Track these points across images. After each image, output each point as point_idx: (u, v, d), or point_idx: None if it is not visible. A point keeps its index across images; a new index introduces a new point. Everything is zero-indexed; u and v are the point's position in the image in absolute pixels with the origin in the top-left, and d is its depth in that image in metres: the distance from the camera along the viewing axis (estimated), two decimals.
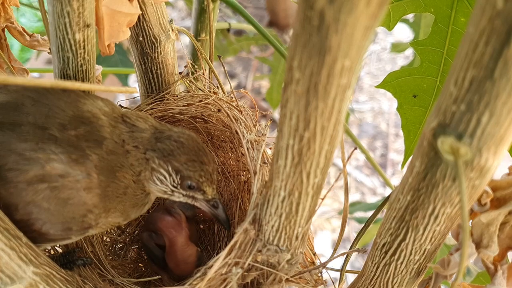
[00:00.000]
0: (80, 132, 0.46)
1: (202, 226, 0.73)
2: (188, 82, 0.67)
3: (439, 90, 0.63)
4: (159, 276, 0.65)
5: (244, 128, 0.58)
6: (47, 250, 0.55)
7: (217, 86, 0.66)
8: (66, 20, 0.46)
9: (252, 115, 0.61)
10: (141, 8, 0.57)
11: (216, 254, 0.52)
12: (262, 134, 0.57)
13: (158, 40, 0.61)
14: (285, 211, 0.41)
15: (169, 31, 0.62)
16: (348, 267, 0.52)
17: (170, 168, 0.50)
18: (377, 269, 0.44)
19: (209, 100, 0.64)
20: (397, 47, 1.40)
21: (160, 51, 0.62)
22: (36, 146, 0.43)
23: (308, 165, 0.37)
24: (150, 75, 0.64)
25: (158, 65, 0.63)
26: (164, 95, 0.65)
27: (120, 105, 0.62)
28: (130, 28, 0.55)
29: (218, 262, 0.45)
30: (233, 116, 0.60)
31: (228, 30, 1.06)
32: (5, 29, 0.61)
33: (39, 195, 0.43)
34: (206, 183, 0.51)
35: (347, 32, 0.27)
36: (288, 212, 0.41)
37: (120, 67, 1.18)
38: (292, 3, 2.61)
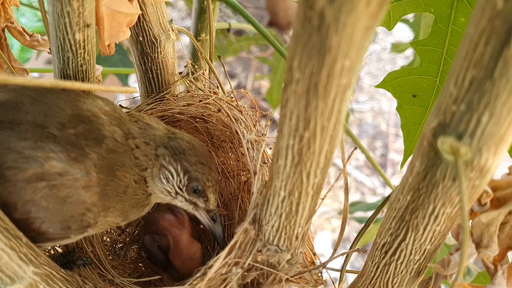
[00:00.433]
0: (80, 131, 0.46)
1: (202, 226, 0.73)
2: (188, 82, 0.67)
3: (439, 90, 0.63)
4: (159, 276, 0.65)
5: (244, 128, 0.58)
6: (47, 250, 0.55)
7: (217, 86, 0.66)
8: (66, 20, 0.46)
9: (252, 115, 0.61)
10: (141, 8, 0.57)
11: (216, 254, 0.52)
12: (262, 134, 0.57)
13: (158, 40, 0.61)
14: (285, 211, 0.41)
15: (169, 31, 0.62)
16: (348, 267, 0.52)
17: (179, 167, 0.50)
18: (377, 269, 0.44)
19: (209, 100, 0.64)
20: (397, 47, 1.40)
21: (160, 51, 0.62)
22: (35, 144, 0.43)
23: (308, 165, 0.37)
24: (150, 75, 0.64)
25: (158, 65, 0.63)
26: (164, 95, 0.65)
27: (120, 105, 0.62)
28: (130, 28, 0.55)
29: (218, 262, 0.45)
30: (233, 116, 0.60)
31: (228, 30, 1.06)
32: (5, 29, 0.61)
33: (38, 193, 0.43)
34: (211, 189, 0.52)
35: (347, 32, 0.27)
36: (288, 212, 0.41)
37: (120, 67, 1.18)
38: (292, 3, 2.61)
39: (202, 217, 0.54)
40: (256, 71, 2.74)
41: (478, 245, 0.39)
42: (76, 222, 0.46)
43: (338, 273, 0.52)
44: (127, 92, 0.41)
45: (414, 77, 0.63)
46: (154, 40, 0.61)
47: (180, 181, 0.51)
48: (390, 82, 0.64)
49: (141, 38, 0.61)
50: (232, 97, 0.64)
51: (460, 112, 0.30)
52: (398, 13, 0.61)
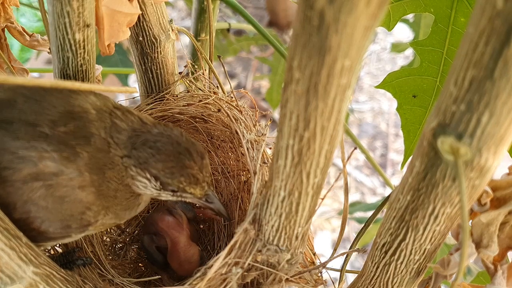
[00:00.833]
0: (70, 129, 0.45)
1: (202, 226, 0.73)
2: (188, 82, 0.67)
3: (439, 90, 0.63)
4: (159, 276, 0.65)
5: (244, 128, 0.58)
6: (47, 250, 0.55)
7: (217, 86, 0.66)
8: (66, 20, 0.46)
9: (252, 115, 0.61)
10: (141, 8, 0.57)
11: (216, 254, 0.52)
12: (262, 134, 0.57)
13: (158, 40, 0.61)
14: (285, 211, 0.41)
15: (169, 31, 0.62)
16: (348, 267, 0.52)
17: (148, 175, 0.48)
18: (377, 269, 0.44)
19: (209, 100, 0.64)
20: (397, 47, 1.40)
21: (160, 51, 0.62)
22: (28, 144, 0.43)
23: (308, 165, 0.37)
24: (150, 75, 0.64)
25: (158, 65, 0.63)
26: (164, 95, 0.65)
27: None
28: (130, 28, 0.55)
29: (218, 262, 0.45)
30: (233, 116, 0.60)
31: (228, 30, 1.06)
32: (5, 29, 0.61)
33: (35, 193, 0.43)
34: (189, 186, 0.49)
35: (347, 32, 0.27)
36: (288, 212, 0.41)
37: (120, 67, 1.18)
38: (292, 3, 2.61)
39: (197, 202, 0.52)
40: (256, 71, 2.74)
41: (478, 245, 0.39)
42: (76, 220, 0.46)
43: (338, 273, 0.52)
44: (127, 92, 0.41)
45: (414, 78, 0.63)
46: (154, 40, 0.61)
47: (155, 186, 0.49)
48: (390, 83, 0.64)
49: (141, 38, 0.61)
50: (232, 97, 0.64)
51: (460, 112, 0.30)
52: (398, 13, 0.61)
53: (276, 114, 1.97)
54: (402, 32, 2.60)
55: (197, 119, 0.66)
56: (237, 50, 1.38)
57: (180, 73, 0.67)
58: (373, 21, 0.27)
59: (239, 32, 2.18)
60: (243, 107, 0.62)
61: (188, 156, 0.48)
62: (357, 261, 1.94)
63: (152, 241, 0.67)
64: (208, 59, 0.68)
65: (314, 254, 0.53)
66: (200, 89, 0.66)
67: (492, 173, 0.33)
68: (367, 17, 0.27)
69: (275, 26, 2.81)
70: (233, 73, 2.73)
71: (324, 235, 2.08)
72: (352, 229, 2.06)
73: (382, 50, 2.89)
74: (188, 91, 0.67)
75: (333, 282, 0.53)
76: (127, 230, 0.73)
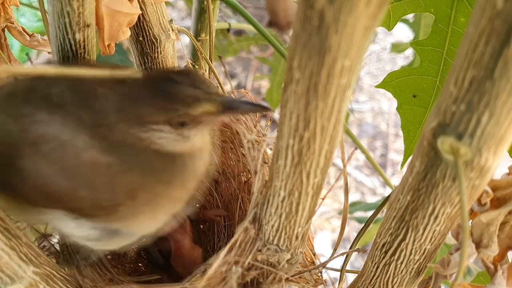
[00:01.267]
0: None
1: (202, 226, 0.73)
2: None
3: (439, 90, 0.63)
4: (159, 276, 0.65)
5: (245, 128, 0.58)
6: (45, 249, 0.55)
7: (217, 86, 0.66)
8: (66, 20, 0.46)
9: (253, 115, 0.61)
10: (141, 8, 0.57)
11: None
12: (263, 135, 0.57)
13: (158, 40, 0.61)
14: (285, 211, 0.41)
15: (169, 31, 0.62)
16: (348, 267, 0.52)
17: (149, 126, 0.42)
18: (377, 269, 0.44)
19: None
20: (397, 47, 1.40)
21: (160, 51, 0.62)
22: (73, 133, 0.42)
23: (308, 165, 0.37)
24: None
25: (158, 65, 0.63)
26: None
27: None
28: (130, 28, 0.55)
29: (218, 261, 0.45)
30: (233, 116, 0.60)
31: (228, 30, 1.06)
32: (5, 29, 0.61)
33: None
34: (192, 108, 0.42)
35: (347, 32, 0.27)
36: (288, 212, 0.41)
37: None
38: (292, 3, 2.61)
39: (223, 119, 0.46)
40: (256, 71, 2.74)
41: (478, 245, 0.39)
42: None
43: (338, 273, 0.52)
44: (131, 76, 0.40)
45: (414, 77, 0.63)
46: (154, 40, 0.61)
47: (164, 130, 0.43)
48: (390, 82, 0.64)
49: (141, 38, 0.61)
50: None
51: (460, 112, 0.30)
52: (398, 13, 0.61)
53: (276, 114, 1.97)
54: (402, 32, 2.60)
55: None
56: (237, 50, 1.38)
57: None
58: (373, 21, 0.27)
59: (239, 32, 2.18)
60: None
61: (171, 82, 0.42)
62: (357, 261, 1.94)
63: (154, 244, 0.67)
64: (208, 59, 0.68)
65: (314, 254, 0.53)
66: None
67: (492, 173, 0.33)
68: (367, 17, 0.27)
69: (275, 26, 2.81)
70: (233, 73, 2.73)
71: (324, 235, 2.08)
72: (352, 229, 2.06)
73: (382, 50, 2.89)
74: None
75: (332, 283, 0.53)
76: None
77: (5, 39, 0.62)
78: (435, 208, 0.36)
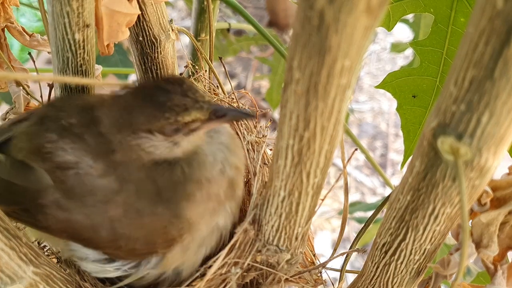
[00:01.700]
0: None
1: None
2: None
3: (439, 90, 0.63)
4: None
5: (245, 129, 0.58)
6: (46, 249, 0.54)
7: (217, 86, 0.66)
8: (65, 20, 0.46)
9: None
10: (141, 8, 0.57)
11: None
12: (263, 136, 0.57)
13: (158, 40, 0.61)
14: (285, 211, 0.41)
15: (169, 31, 0.62)
16: (348, 267, 0.52)
17: (141, 135, 0.44)
18: (377, 269, 0.44)
19: None
20: (397, 47, 1.40)
21: (160, 51, 0.62)
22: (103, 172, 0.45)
23: (308, 165, 0.37)
24: (150, 75, 0.64)
25: (158, 65, 0.63)
26: None
27: None
28: (130, 28, 0.55)
29: (217, 262, 0.45)
30: None
31: (228, 30, 1.06)
32: (5, 29, 0.61)
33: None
34: (181, 116, 0.43)
35: (347, 32, 0.27)
36: (288, 212, 0.41)
37: (120, 67, 1.18)
38: (292, 3, 2.61)
39: (211, 125, 0.46)
40: (256, 71, 2.74)
41: (478, 245, 0.39)
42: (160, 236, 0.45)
43: (338, 273, 0.52)
44: (125, 87, 0.41)
45: (414, 78, 0.63)
46: (154, 40, 0.61)
47: (157, 139, 0.44)
48: (390, 83, 0.64)
49: (141, 38, 0.60)
50: (232, 98, 0.64)
51: (460, 112, 0.30)
52: (398, 13, 0.61)
53: (276, 114, 1.97)
54: (402, 32, 2.60)
55: None
56: (237, 50, 1.38)
57: (181, 73, 0.67)
58: (373, 21, 0.27)
59: (239, 32, 2.17)
60: (244, 107, 0.62)
61: (161, 91, 0.43)
62: (357, 261, 1.94)
63: None
64: (208, 59, 0.68)
65: (314, 254, 0.53)
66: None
67: (492, 173, 0.33)
68: (367, 17, 0.27)
69: (275, 26, 2.81)
70: (233, 73, 2.73)
71: (324, 235, 2.08)
72: (352, 229, 2.06)
73: (382, 50, 2.89)
74: None
75: (332, 283, 0.53)
76: None
77: (5, 39, 0.62)
78: (435, 208, 0.36)
